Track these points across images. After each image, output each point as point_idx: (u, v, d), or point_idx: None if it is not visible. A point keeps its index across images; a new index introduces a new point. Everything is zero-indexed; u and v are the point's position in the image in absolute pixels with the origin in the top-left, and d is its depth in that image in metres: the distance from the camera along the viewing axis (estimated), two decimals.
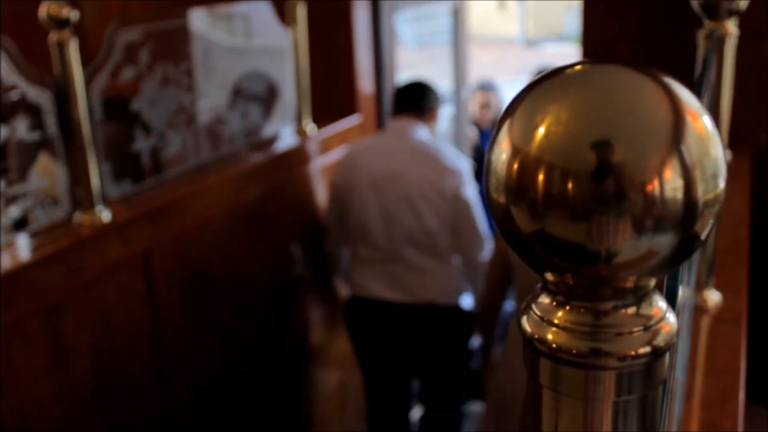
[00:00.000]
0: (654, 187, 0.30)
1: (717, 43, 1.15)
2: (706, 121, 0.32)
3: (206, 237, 1.98)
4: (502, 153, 0.32)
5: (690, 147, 0.31)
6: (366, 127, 2.78)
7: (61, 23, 1.64)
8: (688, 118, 0.31)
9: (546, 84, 0.33)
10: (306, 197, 2.42)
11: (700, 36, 1.16)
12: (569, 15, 17.57)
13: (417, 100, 2.34)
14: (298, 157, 2.37)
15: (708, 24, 1.16)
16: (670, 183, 0.30)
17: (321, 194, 2.50)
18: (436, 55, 3.70)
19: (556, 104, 0.32)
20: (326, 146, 2.51)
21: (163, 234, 1.83)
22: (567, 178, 0.31)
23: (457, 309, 2.34)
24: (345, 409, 2.80)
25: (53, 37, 1.64)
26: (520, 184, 0.32)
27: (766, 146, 1.96)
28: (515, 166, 0.32)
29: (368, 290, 2.30)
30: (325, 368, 2.66)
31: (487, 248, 2.29)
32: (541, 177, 0.31)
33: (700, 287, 1.33)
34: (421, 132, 2.30)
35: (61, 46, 1.65)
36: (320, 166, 2.47)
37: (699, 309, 1.33)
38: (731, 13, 1.14)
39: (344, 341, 2.74)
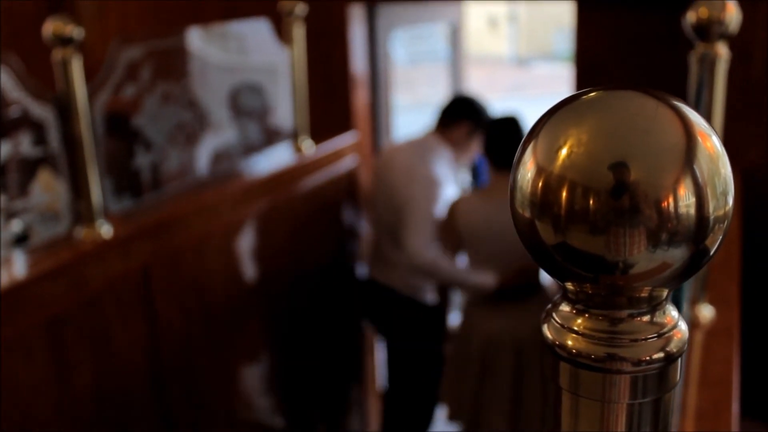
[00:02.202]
0: (668, 203, 0.33)
1: (709, 65, 1.19)
2: (716, 141, 0.34)
3: (205, 253, 2.00)
4: (527, 172, 0.35)
5: (701, 166, 0.33)
6: (362, 144, 2.81)
7: (66, 41, 1.66)
8: (699, 139, 0.34)
9: (566, 109, 0.36)
10: (303, 213, 2.44)
11: (693, 58, 1.20)
12: (559, 35, 17.78)
13: (441, 118, 2.52)
14: (295, 173, 2.39)
15: (700, 46, 1.19)
16: (683, 200, 0.33)
17: (317, 210, 2.52)
18: (429, 73, 3.74)
19: (577, 127, 0.34)
20: (323, 163, 2.53)
21: (162, 249, 1.84)
22: (587, 195, 0.33)
23: (413, 300, 2.57)
24: (343, 422, 2.80)
25: (57, 54, 1.66)
26: (544, 200, 0.34)
27: (755, 163, 2.00)
28: (540, 183, 0.34)
29: (370, 271, 2.70)
30: (323, 382, 2.67)
31: (421, 253, 2.40)
32: (563, 194, 0.34)
33: (693, 302, 1.36)
34: (432, 149, 2.48)
35: (65, 64, 1.67)
36: (317, 182, 2.50)
37: (693, 323, 1.36)
38: (722, 36, 1.18)
39: (338, 358, 2.75)
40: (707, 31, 1.16)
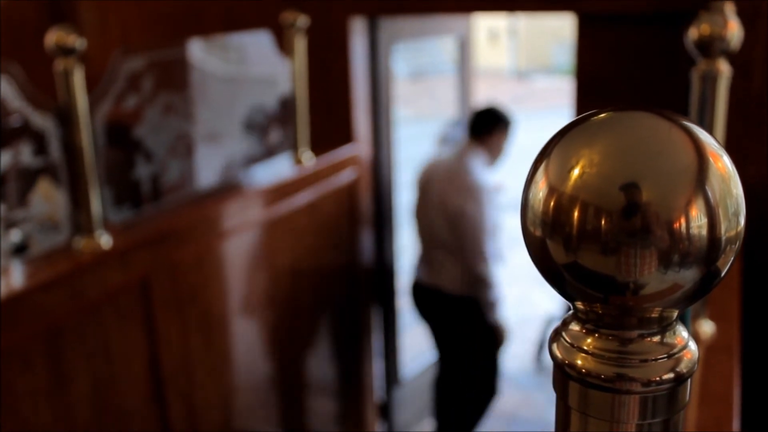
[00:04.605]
0: (679, 224, 0.33)
1: (711, 81, 1.19)
2: (727, 162, 0.34)
3: (204, 264, 1.99)
4: (538, 191, 0.35)
5: (713, 187, 0.33)
6: (362, 157, 2.81)
7: (68, 51, 1.66)
8: (711, 160, 0.34)
9: (578, 129, 0.36)
10: (302, 225, 2.44)
11: (694, 74, 1.20)
12: (559, 48, 17.84)
13: (474, 127, 2.92)
14: (294, 185, 2.39)
15: (702, 63, 1.19)
16: (695, 221, 0.33)
17: (317, 222, 2.52)
18: (429, 87, 3.74)
19: (589, 148, 0.34)
20: (323, 175, 2.53)
21: (162, 260, 1.83)
22: (599, 215, 0.33)
23: (462, 298, 2.84)
24: None
25: (59, 64, 1.66)
26: (555, 220, 0.34)
27: (754, 180, 2.01)
28: (551, 203, 0.34)
29: (418, 275, 2.97)
30: (320, 396, 2.66)
31: (486, 263, 2.76)
32: (575, 213, 0.34)
33: (694, 317, 1.36)
34: (471, 157, 2.83)
35: (67, 74, 1.67)
36: (317, 194, 2.49)
37: (693, 339, 1.35)
38: (724, 52, 1.18)
39: (337, 369, 2.74)
40: (709, 47, 1.16)
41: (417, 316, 3.08)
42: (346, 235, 2.73)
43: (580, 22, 2.41)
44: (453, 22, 3.54)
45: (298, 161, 2.49)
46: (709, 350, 1.34)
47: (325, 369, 2.67)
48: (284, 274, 2.36)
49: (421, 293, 2.97)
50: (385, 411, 3.31)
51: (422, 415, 3.52)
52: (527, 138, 5.71)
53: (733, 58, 1.23)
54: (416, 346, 3.57)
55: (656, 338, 0.36)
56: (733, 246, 0.34)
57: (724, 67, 1.19)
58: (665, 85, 2.20)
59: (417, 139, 3.54)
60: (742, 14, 1.21)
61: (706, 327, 1.37)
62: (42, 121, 1.68)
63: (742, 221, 0.34)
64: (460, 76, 3.69)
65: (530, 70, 18.61)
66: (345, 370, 2.83)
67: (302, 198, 2.41)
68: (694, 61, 1.21)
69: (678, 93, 2.09)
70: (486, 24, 18.76)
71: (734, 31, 1.16)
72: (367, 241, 2.86)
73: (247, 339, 2.20)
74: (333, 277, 2.68)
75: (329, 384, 2.71)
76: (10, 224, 1.63)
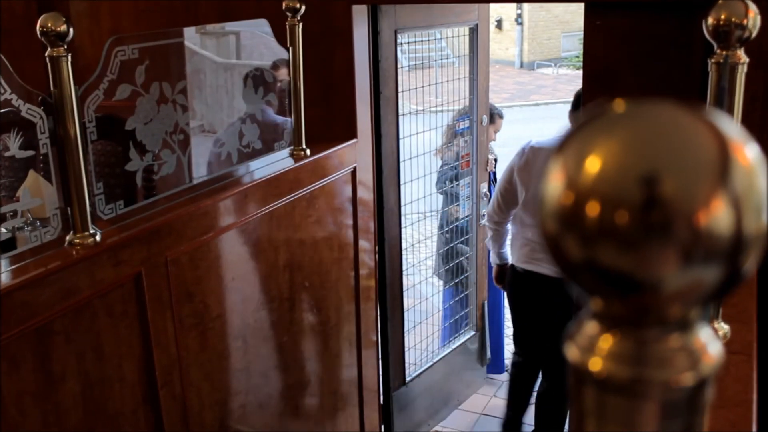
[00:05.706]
0: (701, 219, 0.31)
1: (729, 71, 1.16)
2: (754, 154, 0.33)
3: (199, 260, 1.97)
4: (555, 184, 0.33)
5: (737, 180, 0.31)
6: (363, 151, 2.77)
7: (57, 37, 1.62)
8: (736, 152, 0.32)
9: (596, 121, 0.34)
10: (299, 220, 2.41)
11: (712, 64, 1.17)
12: (566, 39, 17.80)
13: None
14: (292, 180, 2.35)
15: (720, 52, 1.16)
16: (717, 216, 0.31)
17: (314, 217, 2.50)
18: (434, 78, 3.68)
19: (607, 139, 0.33)
20: (321, 170, 2.50)
21: (155, 256, 1.81)
22: (617, 209, 0.32)
23: None
24: None
25: (48, 52, 1.63)
26: (571, 214, 0.33)
27: None
28: (567, 196, 0.33)
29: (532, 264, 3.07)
30: (320, 396, 2.64)
31: None
32: (592, 207, 0.32)
33: (709, 319, 1.33)
34: None
35: (57, 62, 1.63)
36: (316, 188, 2.46)
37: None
38: (741, 41, 1.15)
39: (337, 368, 2.72)
40: (728, 35, 1.13)
41: (532, 307, 3.14)
42: (347, 232, 2.70)
43: (589, 10, 2.34)
44: (464, 12, 3.44)
45: (296, 155, 2.45)
46: (726, 353, 1.31)
47: (326, 369, 2.65)
48: (281, 270, 2.34)
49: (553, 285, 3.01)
50: (388, 412, 3.29)
51: (426, 416, 3.51)
52: (527, 133, 5.70)
53: (748, 49, 1.20)
54: (420, 346, 3.56)
55: (676, 338, 0.34)
56: (758, 242, 0.32)
57: (744, 57, 1.17)
58: (678, 76, 2.16)
59: (422, 132, 3.50)
60: (760, 2, 1.17)
61: (723, 329, 1.34)
62: (31, 113, 1.65)
63: None
64: (471, 67, 3.60)
65: (537, 61, 18.47)
66: (346, 370, 2.80)
67: (301, 193, 2.38)
68: (709, 50, 1.17)
69: (691, 84, 2.06)
70: (494, 13, 18.64)
71: (755, 18, 1.13)
72: (370, 238, 2.83)
73: (243, 337, 2.18)
74: (333, 274, 2.65)
75: (330, 384, 2.69)
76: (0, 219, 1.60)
